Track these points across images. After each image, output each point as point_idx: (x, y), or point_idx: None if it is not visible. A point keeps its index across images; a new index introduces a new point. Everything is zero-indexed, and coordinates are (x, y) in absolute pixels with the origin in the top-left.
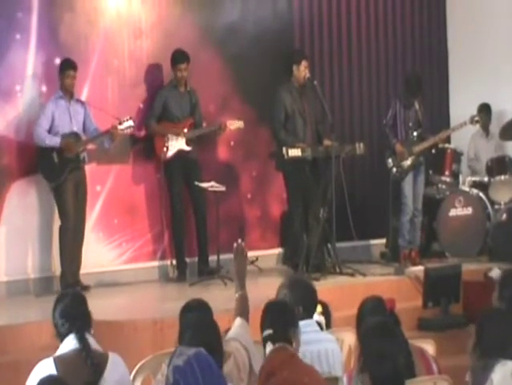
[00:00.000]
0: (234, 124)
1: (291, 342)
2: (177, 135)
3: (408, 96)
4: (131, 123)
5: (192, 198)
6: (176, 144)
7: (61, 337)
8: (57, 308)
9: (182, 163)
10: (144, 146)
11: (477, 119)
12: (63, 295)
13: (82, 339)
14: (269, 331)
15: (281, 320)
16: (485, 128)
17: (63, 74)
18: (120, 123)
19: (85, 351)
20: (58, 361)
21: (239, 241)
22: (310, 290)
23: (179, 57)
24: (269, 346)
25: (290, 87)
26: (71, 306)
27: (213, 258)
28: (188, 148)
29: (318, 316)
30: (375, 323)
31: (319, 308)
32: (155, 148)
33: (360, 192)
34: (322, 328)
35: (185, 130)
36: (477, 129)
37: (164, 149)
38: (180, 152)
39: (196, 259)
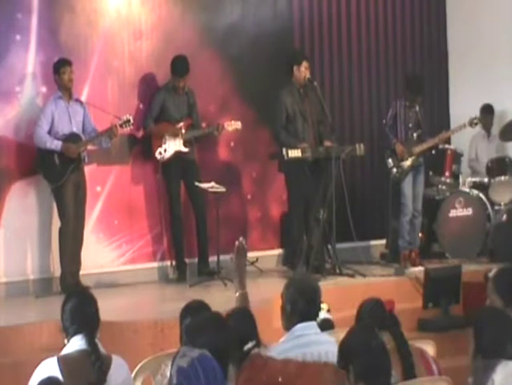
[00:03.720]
0: (232, 125)
1: None
2: (175, 136)
3: (410, 96)
4: (129, 118)
5: (191, 199)
6: (173, 145)
7: (67, 333)
8: (68, 304)
9: (180, 164)
10: (144, 147)
11: (476, 121)
12: (77, 293)
13: (91, 342)
14: (252, 343)
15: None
16: (487, 129)
17: (60, 71)
18: (121, 123)
19: (94, 355)
20: (62, 361)
21: (240, 238)
22: (312, 291)
23: (181, 69)
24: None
25: (292, 88)
26: (84, 307)
27: (213, 259)
28: (185, 149)
29: (326, 314)
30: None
31: (326, 306)
32: (152, 149)
33: (360, 193)
34: (333, 325)
35: (183, 131)
36: (477, 130)
37: (162, 150)
38: (177, 154)
39: (195, 260)
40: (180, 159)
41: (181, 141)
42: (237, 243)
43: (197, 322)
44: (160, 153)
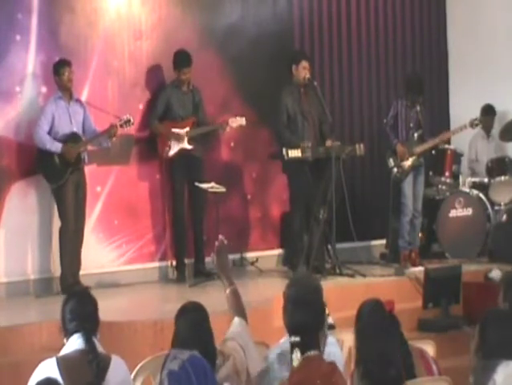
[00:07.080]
0: (236, 122)
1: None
2: (180, 139)
3: (411, 96)
4: (130, 118)
5: (191, 198)
6: (178, 143)
7: (66, 333)
8: (68, 304)
9: (185, 162)
10: (144, 147)
11: (476, 122)
12: (76, 293)
13: (88, 341)
14: (295, 338)
15: (310, 324)
16: (487, 130)
17: (60, 72)
18: (121, 123)
19: (92, 354)
20: (61, 361)
21: (220, 237)
22: (313, 290)
23: (183, 61)
24: (297, 352)
25: (293, 88)
26: (82, 306)
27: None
28: (189, 147)
29: (328, 319)
30: (372, 324)
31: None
32: (158, 148)
33: (360, 193)
34: (334, 328)
35: (187, 129)
36: (476, 131)
37: (166, 148)
38: (181, 151)
39: (193, 260)
40: (185, 156)
41: (186, 139)
42: (216, 243)
43: (181, 322)
44: (166, 150)
